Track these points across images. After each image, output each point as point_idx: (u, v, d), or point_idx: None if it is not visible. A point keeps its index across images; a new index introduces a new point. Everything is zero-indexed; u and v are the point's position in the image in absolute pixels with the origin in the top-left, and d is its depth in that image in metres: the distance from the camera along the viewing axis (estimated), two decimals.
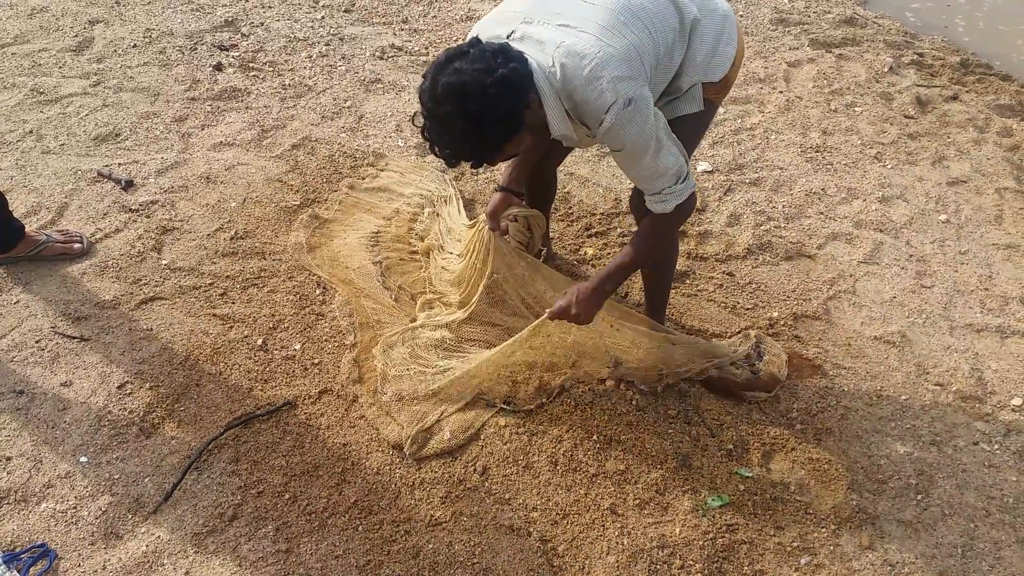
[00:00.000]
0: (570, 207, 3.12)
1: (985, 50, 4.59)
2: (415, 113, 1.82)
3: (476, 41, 1.74)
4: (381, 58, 4.00)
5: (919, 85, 4.05)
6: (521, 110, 1.73)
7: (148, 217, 2.88)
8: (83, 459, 2.13)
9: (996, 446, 2.32)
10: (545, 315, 2.15)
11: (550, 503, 2.10)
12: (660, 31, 1.86)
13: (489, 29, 1.89)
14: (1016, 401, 2.45)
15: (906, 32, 4.65)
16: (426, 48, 4.13)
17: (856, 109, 3.85)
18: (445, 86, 1.67)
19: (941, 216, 3.22)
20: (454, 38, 4.23)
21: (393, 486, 2.11)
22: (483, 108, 1.67)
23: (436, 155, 1.80)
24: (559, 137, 1.89)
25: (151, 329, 2.48)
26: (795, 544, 2.04)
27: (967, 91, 4.07)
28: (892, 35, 4.55)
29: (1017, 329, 2.71)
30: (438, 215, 2.93)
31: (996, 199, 3.32)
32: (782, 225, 3.11)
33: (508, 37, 1.83)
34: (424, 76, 1.75)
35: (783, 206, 3.21)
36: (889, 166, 3.49)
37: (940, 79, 4.15)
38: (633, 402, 2.33)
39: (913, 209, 3.25)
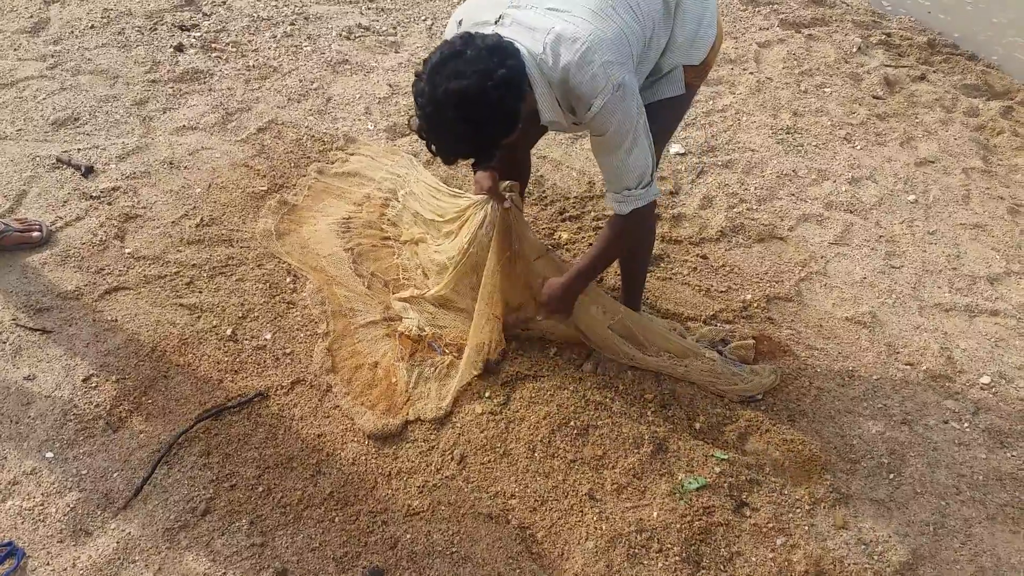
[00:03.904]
0: (543, 191, 3.09)
1: (951, 29, 4.64)
2: (410, 116, 1.79)
3: (469, 37, 1.70)
4: (348, 38, 3.92)
5: (887, 65, 4.08)
6: (519, 105, 1.72)
7: (110, 204, 2.80)
8: (49, 455, 2.07)
9: (966, 424, 2.36)
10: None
11: (528, 490, 2.09)
12: (647, 15, 1.86)
13: (476, 13, 1.87)
14: (984, 379, 2.50)
15: (874, 12, 4.68)
16: (394, 28, 4.05)
17: (826, 90, 3.86)
18: (446, 92, 1.64)
19: (910, 197, 3.25)
20: (423, 17, 4.16)
21: (369, 476, 2.09)
22: (487, 111, 1.67)
23: (433, 154, 1.77)
24: (548, 123, 1.88)
25: (116, 320, 2.41)
26: (771, 525, 2.06)
27: (934, 71, 4.12)
28: (860, 15, 4.58)
29: (985, 308, 2.76)
30: (413, 193, 2.86)
31: (963, 179, 3.36)
32: (754, 207, 3.12)
33: (496, 22, 1.80)
34: (419, 76, 1.71)
35: (755, 188, 3.22)
36: (858, 147, 3.51)
37: (908, 59, 4.18)
38: (610, 387, 2.33)
39: (882, 190, 3.27)
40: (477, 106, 1.65)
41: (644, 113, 1.84)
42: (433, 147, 1.75)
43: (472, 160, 1.81)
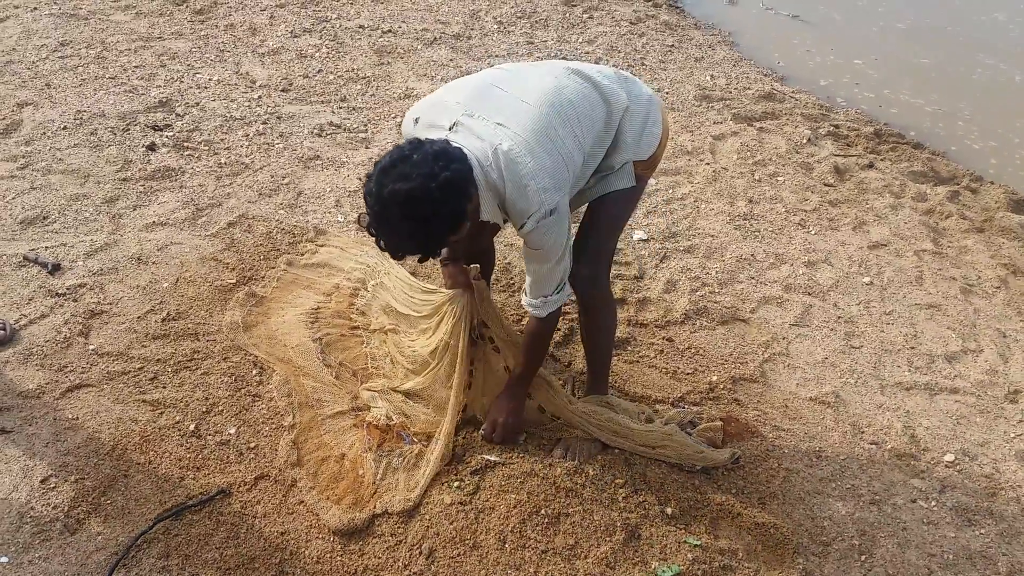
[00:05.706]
0: (511, 277, 3.15)
1: (897, 120, 4.90)
2: (360, 214, 1.91)
3: (417, 143, 1.82)
4: (320, 135, 4.03)
5: (836, 155, 4.28)
6: (465, 205, 1.83)
7: (75, 301, 2.79)
8: (3, 559, 1.99)
9: (933, 503, 2.37)
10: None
11: None
12: (587, 130, 2.02)
13: (433, 115, 2.00)
14: (949, 457, 2.53)
15: (821, 105, 4.93)
16: (365, 125, 4.18)
17: (779, 178, 4.03)
18: (392, 192, 1.75)
19: (865, 278, 3.36)
20: (393, 115, 4.31)
21: None
22: (429, 210, 1.77)
23: (382, 249, 1.87)
24: (487, 219, 2.00)
25: (77, 418, 2.36)
26: None
27: (882, 159, 4.32)
28: (809, 108, 4.82)
29: (944, 386, 2.81)
30: (383, 285, 2.90)
31: (916, 261, 3.49)
32: (716, 290, 3.20)
33: (451, 128, 1.93)
34: (368, 177, 1.82)
35: (716, 272, 3.30)
36: (813, 232, 3.64)
37: (856, 148, 4.39)
38: (580, 473, 2.31)
39: (838, 272, 3.38)
40: (421, 206, 1.75)
41: (571, 231, 2.03)
42: (382, 243, 1.86)
43: (419, 256, 1.90)
